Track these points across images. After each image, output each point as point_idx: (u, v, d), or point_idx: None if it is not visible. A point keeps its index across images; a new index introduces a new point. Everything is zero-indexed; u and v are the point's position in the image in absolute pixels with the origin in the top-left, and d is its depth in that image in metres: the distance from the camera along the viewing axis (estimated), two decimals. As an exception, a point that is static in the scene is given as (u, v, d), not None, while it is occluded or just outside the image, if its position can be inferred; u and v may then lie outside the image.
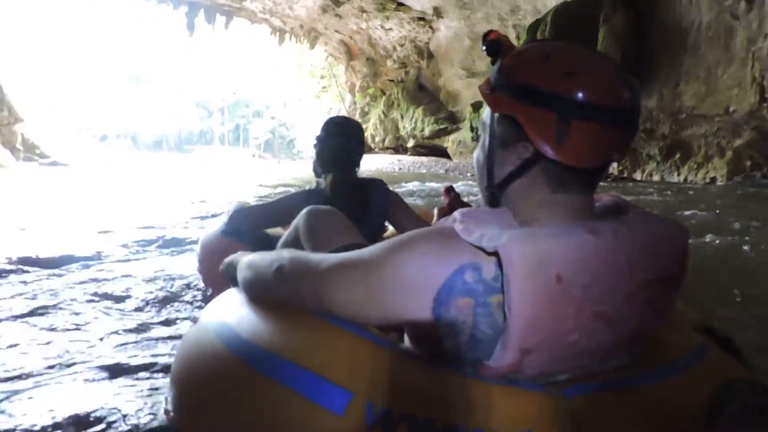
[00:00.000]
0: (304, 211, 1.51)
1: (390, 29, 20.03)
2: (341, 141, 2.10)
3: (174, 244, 3.58)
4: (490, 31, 0.93)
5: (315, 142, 2.15)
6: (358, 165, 2.16)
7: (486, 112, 0.94)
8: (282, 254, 1.04)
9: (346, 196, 2.02)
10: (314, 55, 26.93)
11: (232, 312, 1.02)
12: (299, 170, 17.92)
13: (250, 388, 0.84)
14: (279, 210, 2.07)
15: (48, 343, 1.74)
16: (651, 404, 0.81)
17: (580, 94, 0.81)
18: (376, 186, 2.17)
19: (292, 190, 4.53)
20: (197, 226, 4.34)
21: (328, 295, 0.91)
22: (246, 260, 1.12)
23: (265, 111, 54.02)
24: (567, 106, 0.81)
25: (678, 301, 1.14)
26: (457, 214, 0.86)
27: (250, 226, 2.09)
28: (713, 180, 9.44)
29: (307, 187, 2.17)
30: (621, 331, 0.84)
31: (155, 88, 54.41)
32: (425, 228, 0.91)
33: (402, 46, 21.01)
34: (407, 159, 20.97)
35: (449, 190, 1.55)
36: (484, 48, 0.93)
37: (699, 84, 8.24)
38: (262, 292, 1.04)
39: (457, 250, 0.81)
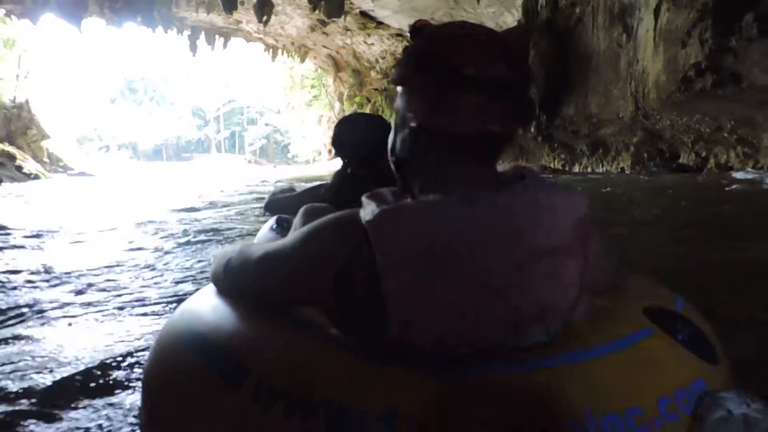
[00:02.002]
0: (301, 209, 1.56)
1: (372, 44, 21.83)
2: (350, 137, 2.10)
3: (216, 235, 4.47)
4: (419, 20, 0.92)
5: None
6: (379, 158, 2.06)
7: None
8: (235, 248, 1.06)
9: (356, 189, 2.08)
10: (304, 67, 28.62)
11: (202, 314, 1.00)
12: (294, 172, 20.07)
13: (221, 402, 0.82)
14: (304, 201, 2.08)
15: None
16: (525, 393, 0.74)
17: (455, 64, 0.82)
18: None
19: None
20: (227, 218, 5.90)
21: (256, 282, 0.95)
22: (219, 252, 1.13)
23: (259, 118, 55.75)
24: (443, 75, 0.83)
25: (648, 278, 1.12)
26: (365, 195, 0.86)
27: (283, 211, 2.17)
28: (623, 169, 11.85)
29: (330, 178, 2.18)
30: (521, 305, 0.80)
31: (151, 98, 56.08)
32: (337, 213, 0.90)
33: (383, 58, 22.77)
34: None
35: None
36: (409, 34, 0.91)
37: (599, 96, 10.66)
38: (219, 285, 1.07)
39: (357, 228, 0.81)
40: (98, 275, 2.93)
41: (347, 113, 26.08)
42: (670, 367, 0.84)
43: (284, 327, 0.90)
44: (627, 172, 11.56)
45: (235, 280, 1.01)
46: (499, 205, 0.80)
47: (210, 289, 1.09)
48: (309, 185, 2.14)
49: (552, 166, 13.97)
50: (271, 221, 2.17)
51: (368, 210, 0.81)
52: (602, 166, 12.67)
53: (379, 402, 0.75)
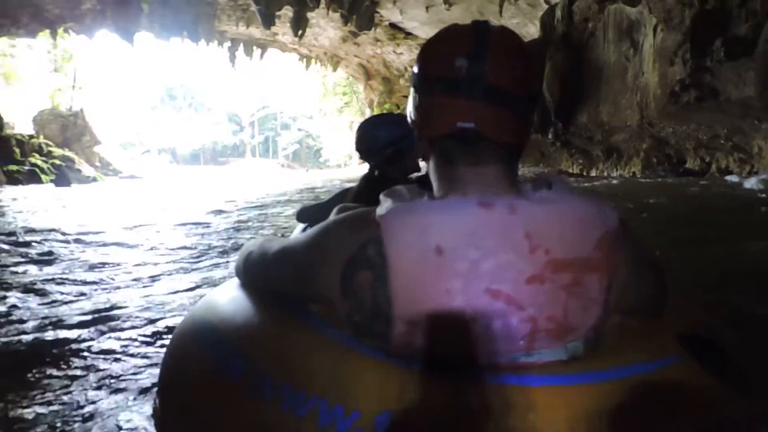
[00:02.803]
0: (335, 209, 1.56)
1: (401, 53, 22.72)
2: (375, 135, 2.09)
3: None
4: None
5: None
6: (403, 156, 2.06)
7: None
8: (256, 242, 1.09)
9: (383, 189, 1.93)
10: (336, 75, 29.59)
11: (220, 309, 1.02)
12: (326, 175, 21.20)
13: (230, 400, 0.83)
14: (334, 205, 2.02)
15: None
16: (518, 408, 0.72)
17: (418, 68, 0.86)
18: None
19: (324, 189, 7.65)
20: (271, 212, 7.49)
21: (273, 275, 0.97)
22: (244, 246, 1.14)
23: (292, 124, 57.11)
24: (414, 80, 0.87)
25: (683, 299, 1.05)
26: (383, 192, 0.86)
27: (313, 221, 2.13)
28: (634, 174, 12.52)
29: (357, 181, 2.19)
30: (535, 318, 0.78)
31: (190, 105, 58.21)
32: (352, 210, 0.91)
33: (412, 67, 24.04)
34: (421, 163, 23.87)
35: None
36: None
37: (610, 105, 11.41)
38: (241, 278, 1.10)
39: (367, 225, 0.80)
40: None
41: (377, 119, 27.06)
42: (691, 397, 0.79)
43: (292, 323, 0.90)
44: (638, 175, 12.24)
45: (253, 274, 1.03)
46: (518, 212, 0.77)
47: (233, 282, 1.12)
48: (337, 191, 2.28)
49: (570, 170, 14.70)
50: (301, 227, 2.26)
51: (384, 206, 0.81)
52: (616, 170, 13.36)
53: (374, 404, 0.73)
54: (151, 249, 4.21)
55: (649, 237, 4.07)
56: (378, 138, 2.05)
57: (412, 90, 0.89)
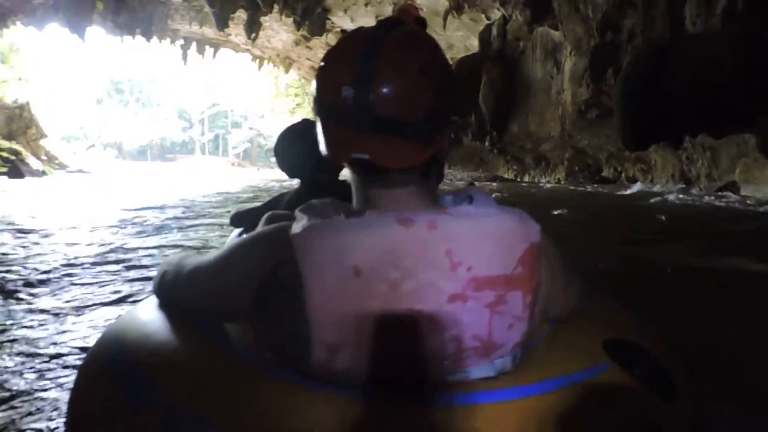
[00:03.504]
0: (264, 216, 1.52)
1: None
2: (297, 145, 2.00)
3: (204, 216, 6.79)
4: None
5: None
6: (326, 166, 1.85)
7: None
8: (173, 259, 1.03)
9: (316, 197, 1.72)
10: (289, 76, 29.81)
11: (134, 332, 0.95)
12: (277, 175, 21.64)
13: (123, 417, 0.79)
14: (268, 209, 1.93)
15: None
16: (444, 429, 0.71)
17: (315, 92, 0.81)
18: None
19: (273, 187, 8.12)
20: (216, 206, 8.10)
21: (188, 294, 0.92)
22: (162, 263, 1.09)
23: (243, 122, 56.93)
24: (313, 104, 0.83)
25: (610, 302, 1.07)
26: (298, 208, 0.83)
27: (248, 225, 2.11)
28: (559, 180, 13.82)
29: (293, 187, 2.12)
30: (459, 338, 0.77)
31: (137, 99, 56.85)
32: (270, 226, 0.86)
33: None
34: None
35: None
36: None
37: (537, 117, 12.67)
38: (158, 297, 1.04)
39: (282, 245, 0.76)
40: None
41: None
42: (620, 406, 0.81)
43: (208, 347, 0.86)
44: (562, 182, 13.53)
45: (169, 293, 0.98)
46: (438, 228, 0.75)
47: (152, 301, 1.07)
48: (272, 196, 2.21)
49: (506, 176, 15.91)
50: (236, 233, 2.19)
51: (299, 224, 0.77)
52: (545, 177, 14.64)
53: (293, 427, 0.71)
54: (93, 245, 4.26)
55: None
56: (295, 153, 1.98)
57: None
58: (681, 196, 8.30)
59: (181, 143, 59.24)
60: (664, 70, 6.05)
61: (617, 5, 8.62)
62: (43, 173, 17.53)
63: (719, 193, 8.39)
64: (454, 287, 0.76)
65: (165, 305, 1.01)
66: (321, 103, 0.81)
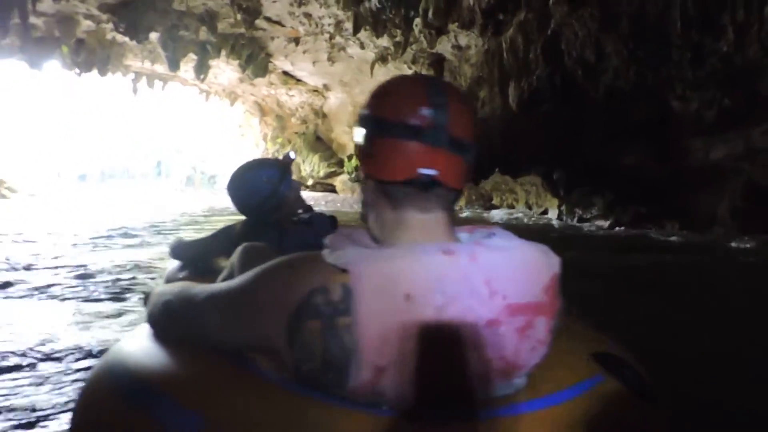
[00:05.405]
0: (239, 248, 1.54)
1: (293, 95, 24.43)
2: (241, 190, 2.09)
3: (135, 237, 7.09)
4: None
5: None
6: (284, 201, 2.07)
7: None
8: (173, 289, 1.03)
9: (270, 230, 2.00)
10: (234, 109, 30.33)
11: (134, 355, 0.94)
12: (220, 202, 22.00)
13: None
14: (213, 243, 2.10)
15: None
16: None
17: (377, 112, 0.87)
18: (321, 221, 2.20)
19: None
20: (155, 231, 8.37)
21: (204, 324, 0.91)
22: (155, 292, 1.09)
23: (186, 149, 57.28)
24: (369, 124, 0.87)
25: (578, 323, 1.14)
26: (328, 236, 0.86)
27: (189, 259, 2.14)
28: (461, 207, 16.38)
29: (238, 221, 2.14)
30: (491, 359, 0.83)
31: (76, 124, 56.79)
32: (294, 254, 0.88)
33: (302, 108, 25.46)
34: (307, 194, 22.29)
35: None
36: None
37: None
38: (157, 329, 1.03)
39: (314, 273, 0.80)
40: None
41: (270, 151, 27.79)
42: (620, 412, 0.88)
43: (231, 372, 0.86)
44: (464, 209, 16.10)
45: (177, 324, 0.98)
46: (478, 259, 0.82)
47: (142, 333, 1.04)
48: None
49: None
50: (176, 265, 2.15)
51: (340, 252, 0.81)
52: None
53: None
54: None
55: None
56: (250, 195, 2.02)
57: (359, 131, 0.89)
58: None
59: (122, 169, 58.78)
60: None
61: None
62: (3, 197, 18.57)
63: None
64: (490, 313, 0.82)
65: (166, 336, 1.00)
66: (384, 118, 0.86)
